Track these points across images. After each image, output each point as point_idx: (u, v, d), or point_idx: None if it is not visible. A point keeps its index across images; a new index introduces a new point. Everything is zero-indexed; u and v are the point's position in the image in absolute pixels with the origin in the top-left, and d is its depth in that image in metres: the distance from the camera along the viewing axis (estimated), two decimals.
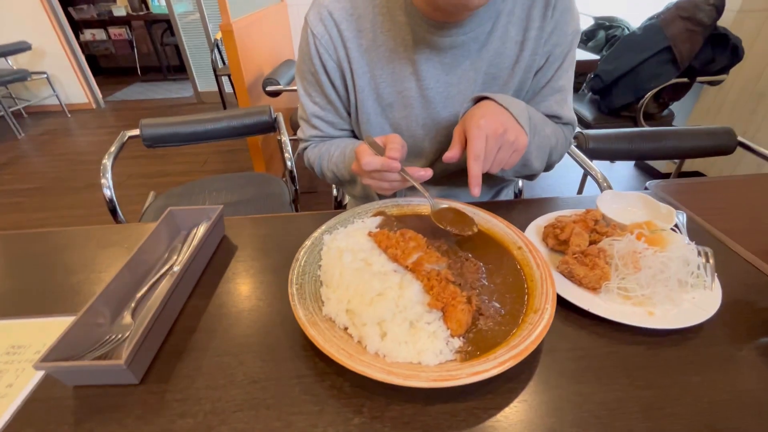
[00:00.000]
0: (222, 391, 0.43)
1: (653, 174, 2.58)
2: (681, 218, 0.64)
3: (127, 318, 0.51)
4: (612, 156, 1.15)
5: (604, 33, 2.75)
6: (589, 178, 1.09)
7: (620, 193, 0.67)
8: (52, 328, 0.52)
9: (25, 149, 3.42)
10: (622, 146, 1.12)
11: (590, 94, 2.41)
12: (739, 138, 1.09)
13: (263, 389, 0.43)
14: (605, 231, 0.59)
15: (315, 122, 0.79)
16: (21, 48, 3.75)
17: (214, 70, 3.48)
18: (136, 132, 1.22)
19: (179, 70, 5.22)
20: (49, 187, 2.78)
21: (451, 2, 0.55)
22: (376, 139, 0.61)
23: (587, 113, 2.26)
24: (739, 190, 0.81)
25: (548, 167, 0.78)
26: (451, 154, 0.59)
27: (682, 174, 1.35)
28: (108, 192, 1.12)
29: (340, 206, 1.21)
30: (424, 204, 0.67)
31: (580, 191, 1.52)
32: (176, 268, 0.58)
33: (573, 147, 1.10)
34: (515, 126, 0.58)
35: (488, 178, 0.85)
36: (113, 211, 1.14)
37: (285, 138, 1.32)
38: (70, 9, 4.95)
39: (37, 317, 0.54)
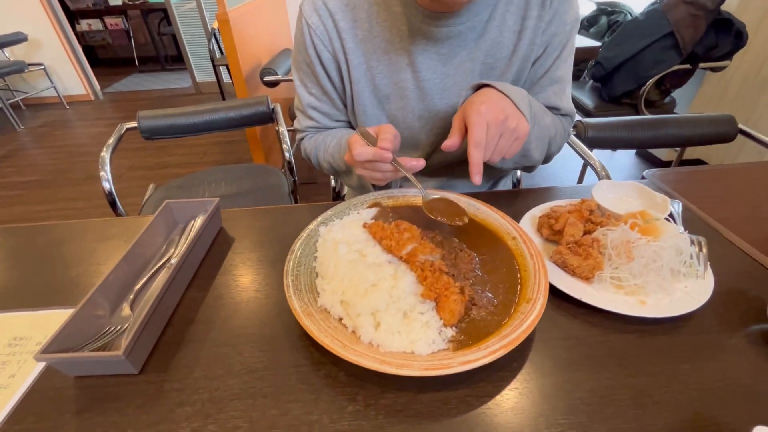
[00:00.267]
0: (220, 380, 0.44)
1: (654, 162, 2.57)
2: (676, 207, 0.64)
3: (125, 310, 0.51)
4: (612, 145, 1.14)
5: (606, 19, 2.70)
6: (588, 168, 1.08)
7: (616, 183, 0.67)
8: (52, 320, 0.53)
9: (25, 142, 3.42)
10: (622, 135, 1.11)
11: (591, 81, 2.38)
12: (740, 125, 1.08)
13: (260, 378, 0.44)
14: (600, 221, 0.59)
15: (311, 113, 0.79)
16: (17, 39, 3.72)
17: (212, 60, 3.45)
18: (134, 124, 1.22)
19: (177, 60, 5.17)
20: (49, 179, 2.79)
21: None
22: (369, 129, 0.60)
23: (588, 101, 2.24)
24: (738, 178, 0.81)
25: (547, 159, 0.77)
26: (451, 143, 0.57)
27: (683, 162, 1.34)
28: (107, 185, 1.12)
29: (338, 197, 1.21)
30: (419, 195, 0.67)
31: (580, 181, 1.51)
32: (174, 261, 0.59)
33: (572, 136, 1.09)
34: (516, 113, 0.57)
35: (487, 169, 0.84)
36: (113, 204, 1.14)
37: (283, 129, 1.32)
38: None
39: (38, 310, 0.54)
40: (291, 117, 2.21)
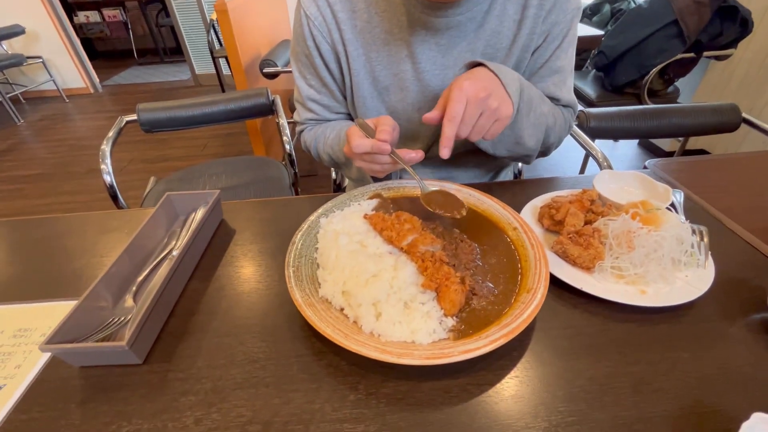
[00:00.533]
0: (222, 370, 0.44)
1: (657, 153, 2.55)
2: (678, 197, 0.64)
3: (128, 301, 0.52)
4: (614, 135, 1.14)
5: (609, 7, 2.67)
6: (590, 158, 1.08)
7: (618, 173, 0.67)
8: (56, 311, 0.53)
9: (25, 135, 3.42)
10: (624, 125, 1.11)
11: (594, 71, 2.36)
12: (744, 114, 1.07)
13: (262, 368, 0.44)
14: (601, 211, 0.59)
15: (310, 105, 0.79)
16: (15, 32, 3.69)
17: (211, 52, 3.42)
18: (134, 117, 1.21)
19: (176, 52, 5.13)
20: (50, 173, 2.79)
21: None
22: (368, 120, 0.60)
23: (590, 91, 2.22)
24: (740, 167, 0.81)
25: (546, 150, 0.76)
26: (431, 115, 0.55)
27: (686, 153, 1.33)
28: (108, 178, 1.12)
29: (339, 189, 1.21)
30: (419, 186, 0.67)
31: (582, 172, 1.50)
32: (175, 253, 0.59)
33: (574, 126, 1.08)
34: (501, 93, 0.55)
35: (487, 160, 0.84)
36: (114, 197, 1.14)
37: (283, 121, 1.31)
38: None
39: (42, 301, 0.55)
40: (291, 109, 2.19)
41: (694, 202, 0.69)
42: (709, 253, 0.53)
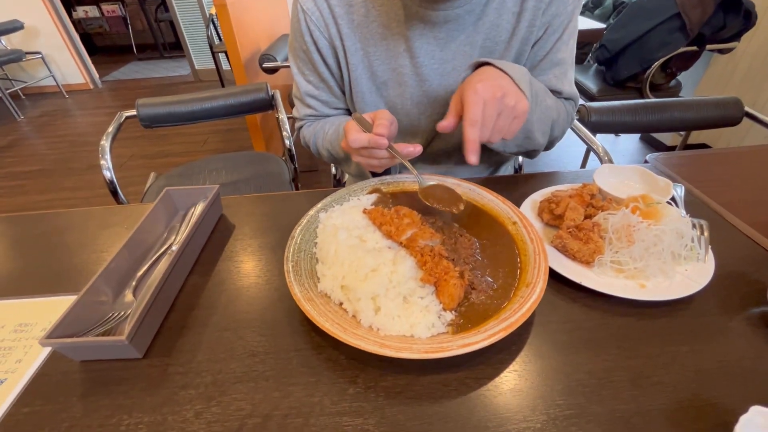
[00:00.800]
0: (222, 364, 0.45)
1: (658, 147, 2.54)
2: (679, 191, 0.64)
3: (128, 296, 0.52)
4: (615, 129, 1.13)
5: (611, 0, 2.64)
6: (591, 152, 1.07)
7: (618, 167, 0.66)
8: (56, 306, 0.53)
9: (25, 131, 3.42)
10: (626, 119, 1.10)
11: (595, 65, 2.34)
12: (746, 108, 1.06)
13: (262, 362, 0.45)
14: (601, 205, 0.59)
15: (309, 101, 0.78)
16: (13, 27, 3.68)
17: (211, 47, 3.41)
18: (133, 112, 1.21)
19: (175, 47, 5.11)
20: (51, 169, 2.79)
21: None
22: (365, 115, 0.60)
23: (591, 85, 2.21)
24: (742, 161, 0.80)
25: (549, 144, 0.76)
26: (446, 123, 0.55)
27: (688, 147, 1.33)
28: (108, 173, 1.12)
29: (339, 184, 1.21)
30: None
31: (582, 166, 1.50)
32: (175, 247, 0.59)
33: (575, 120, 1.08)
34: (515, 90, 0.54)
35: (490, 154, 0.84)
36: (114, 193, 1.15)
37: (283, 116, 1.31)
38: None
39: (42, 296, 0.55)
40: (291, 104, 2.18)
41: (695, 196, 0.69)
42: (710, 247, 0.53)
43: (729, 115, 1.07)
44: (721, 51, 2.03)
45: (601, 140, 1.03)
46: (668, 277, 0.50)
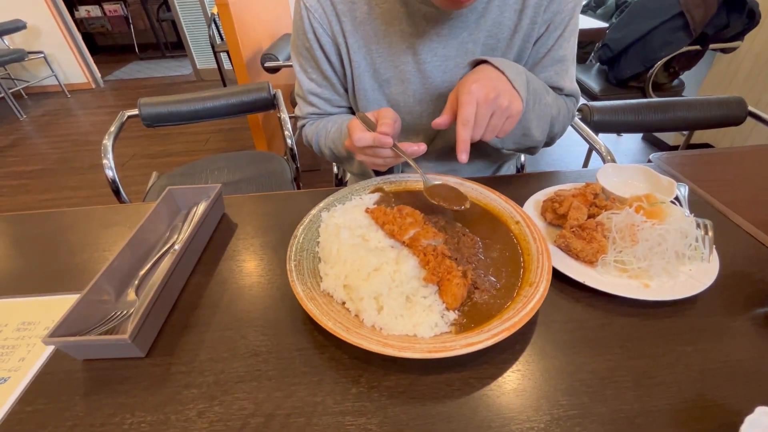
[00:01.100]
0: (225, 363, 0.45)
1: (661, 147, 2.53)
2: (682, 191, 0.64)
3: (131, 295, 0.52)
4: (618, 128, 1.13)
5: None
6: (594, 152, 1.07)
7: (621, 166, 0.66)
8: (59, 305, 0.53)
9: (28, 131, 3.42)
10: (628, 118, 1.10)
11: (598, 64, 2.34)
12: (750, 108, 1.06)
13: (265, 361, 0.44)
14: (604, 204, 0.58)
15: (312, 99, 0.78)
16: (16, 27, 3.69)
17: (212, 47, 3.41)
18: (135, 111, 1.21)
19: (177, 46, 5.12)
20: (53, 168, 2.80)
21: None
22: (369, 114, 0.60)
23: (594, 84, 2.20)
24: (745, 161, 0.80)
25: (550, 140, 0.76)
26: (440, 120, 0.56)
27: (690, 147, 1.32)
28: (110, 173, 1.13)
29: (341, 183, 1.20)
30: (421, 180, 0.67)
31: (585, 165, 1.50)
32: (177, 247, 0.59)
33: (577, 120, 1.07)
34: (510, 90, 0.55)
35: (490, 153, 0.83)
36: (116, 192, 1.15)
37: (285, 115, 1.31)
38: None
39: (45, 295, 0.55)
40: (293, 103, 2.19)
41: (699, 195, 0.68)
42: (714, 246, 0.52)
43: (732, 114, 1.06)
44: (724, 50, 2.02)
45: (604, 140, 1.02)
46: (672, 276, 0.50)
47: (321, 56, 0.72)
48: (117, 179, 1.14)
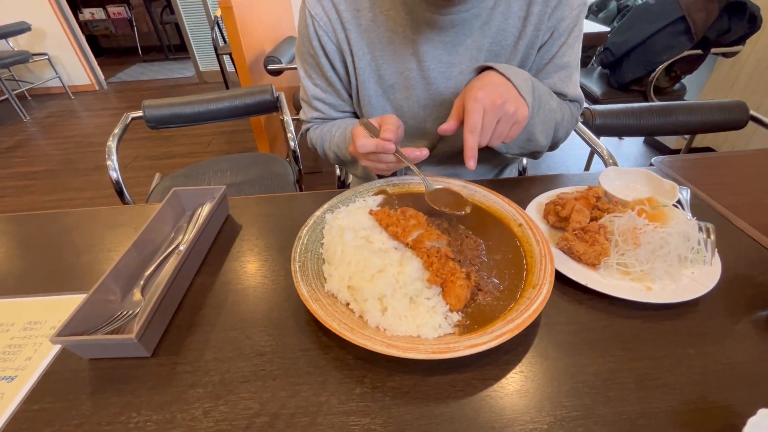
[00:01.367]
0: (230, 363, 0.45)
1: (663, 151, 2.53)
2: (684, 194, 0.64)
3: (137, 295, 0.52)
4: (620, 132, 1.13)
5: (615, 3, 2.65)
6: (596, 155, 1.07)
7: (624, 170, 0.66)
8: (65, 305, 0.54)
9: (32, 132, 3.44)
10: (630, 122, 1.10)
11: (599, 68, 2.34)
12: (751, 112, 1.06)
13: (269, 361, 0.45)
14: (607, 208, 0.59)
15: (316, 104, 0.79)
16: (21, 29, 3.72)
17: (215, 49, 3.43)
18: (139, 113, 1.22)
19: (180, 49, 5.15)
20: (57, 169, 2.81)
21: None
22: (372, 120, 0.60)
23: (596, 88, 2.21)
24: (747, 165, 0.80)
25: (554, 145, 0.76)
26: (446, 126, 0.57)
27: (692, 150, 1.32)
28: (114, 174, 1.13)
29: (343, 186, 1.21)
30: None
31: (587, 169, 1.50)
32: (182, 247, 0.60)
33: (579, 123, 1.08)
34: (516, 97, 0.56)
35: (492, 157, 0.84)
36: (120, 193, 1.16)
37: (287, 118, 1.31)
38: None
39: (51, 295, 0.56)
40: (295, 105, 2.20)
41: (701, 199, 0.69)
42: (716, 250, 0.53)
43: (734, 118, 1.07)
44: (725, 55, 2.03)
45: (605, 143, 1.03)
46: (674, 279, 0.50)
47: (326, 63, 0.73)
48: (121, 180, 1.15)
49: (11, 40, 3.82)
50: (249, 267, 0.59)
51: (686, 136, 1.37)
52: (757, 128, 1.07)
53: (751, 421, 0.33)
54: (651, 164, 0.80)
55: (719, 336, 0.46)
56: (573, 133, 0.84)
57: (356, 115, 0.83)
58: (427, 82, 0.71)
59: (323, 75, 0.75)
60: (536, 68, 0.72)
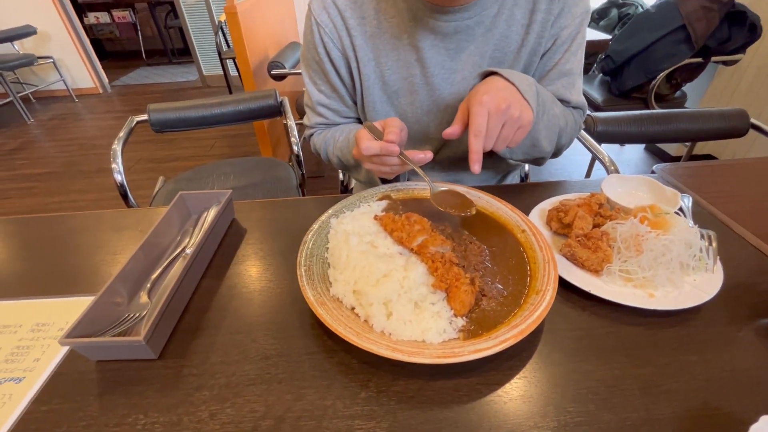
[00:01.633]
0: (236, 366, 0.45)
1: (663, 158, 2.54)
2: (686, 202, 0.64)
3: (143, 297, 0.53)
4: (621, 139, 1.14)
5: (616, 11, 2.67)
6: (597, 162, 1.08)
7: (626, 177, 0.67)
8: (73, 307, 0.54)
9: (36, 134, 3.46)
10: (631, 129, 1.11)
11: (600, 75, 2.36)
12: (752, 120, 1.07)
13: (275, 365, 0.45)
14: (609, 214, 0.59)
15: (320, 110, 0.80)
16: (26, 32, 3.75)
17: (219, 54, 3.45)
18: (144, 117, 1.23)
19: (184, 53, 5.19)
20: (61, 171, 2.82)
21: None
22: (376, 123, 0.61)
23: (597, 95, 2.22)
24: (748, 172, 0.81)
25: (557, 151, 0.77)
26: (451, 131, 0.57)
27: (693, 158, 1.33)
28: (119, 177, 1.14)
29: (346, 190, 1.22)
30: (428, 188, 0.68)
31: (588, 175, 1.51)
32: (189, 251, 0.60)
33: (581, 130, 1.09)
34: (520, 101, 0.56)
35: (496, 163, 0.85)
36: (124, 196, 1.16)
37: (291, 122, 1.32)
38: None
39: (59, 297, 0.56)
40: (298, 110, 2.22)
41: (702, 206, 0.69)
42: (718, 257, 0.53)
43: (735, 126, 1.07)
44: (726, 63, 2.04)
45: (606, 150, 1.04)
46: (677, 287, 0.50)
47: (330, 69, 0.74)
48: (125, 183, 1.15)
49: (17, 43, 3.85)
50: (254, 270, 0.59)
51: (687, 144, 1.37)
52: (758, 136, 1.07)
53: (754, 428, 0.33)
54: (653, 171, 0.81)
55: (721, 343, 0.46)
56: (575, 139, 0.85)
57: (359, 121, 0.84)
58: (430, 87, 0.72)
59: (328, 81, 0.76)
60: (539, 75, 0.73)
